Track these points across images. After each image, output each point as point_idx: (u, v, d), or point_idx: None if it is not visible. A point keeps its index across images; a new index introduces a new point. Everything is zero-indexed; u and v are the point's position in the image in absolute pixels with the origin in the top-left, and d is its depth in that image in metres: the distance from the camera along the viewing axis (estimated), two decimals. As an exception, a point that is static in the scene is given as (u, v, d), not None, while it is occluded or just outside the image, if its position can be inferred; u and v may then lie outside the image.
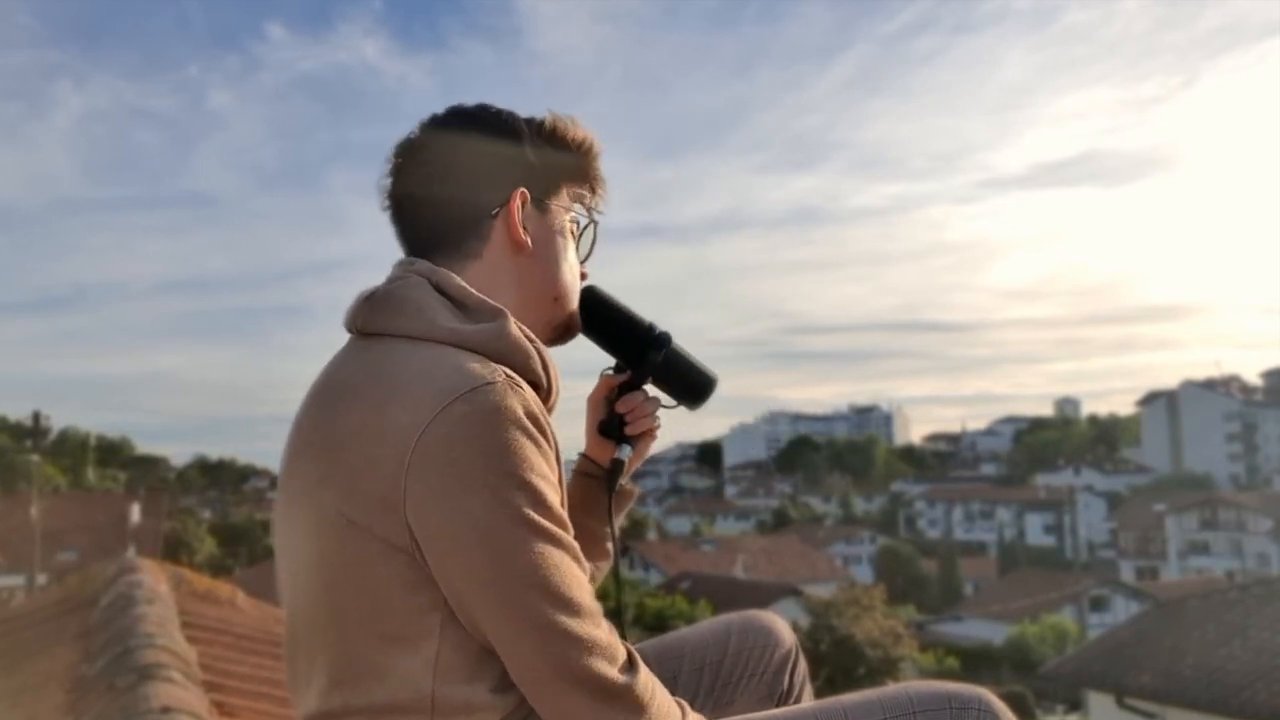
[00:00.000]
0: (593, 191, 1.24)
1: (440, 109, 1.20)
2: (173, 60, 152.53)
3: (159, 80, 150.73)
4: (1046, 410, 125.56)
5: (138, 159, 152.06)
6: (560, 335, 1.23)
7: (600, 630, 0.99)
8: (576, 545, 1.02)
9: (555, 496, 1.01)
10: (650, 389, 1.34)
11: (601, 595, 1.23)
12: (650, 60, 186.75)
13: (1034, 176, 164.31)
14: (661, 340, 1.31)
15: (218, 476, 75.65)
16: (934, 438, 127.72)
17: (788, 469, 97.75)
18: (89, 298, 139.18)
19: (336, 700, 1.02)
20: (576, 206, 1.23)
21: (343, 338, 1.14)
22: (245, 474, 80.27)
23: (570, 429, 1.18)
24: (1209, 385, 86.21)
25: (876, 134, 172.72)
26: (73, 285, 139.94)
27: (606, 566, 1.33)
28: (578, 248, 1.24)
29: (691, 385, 1.35)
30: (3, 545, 23.92)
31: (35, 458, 28.10)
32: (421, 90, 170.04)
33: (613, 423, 1.32)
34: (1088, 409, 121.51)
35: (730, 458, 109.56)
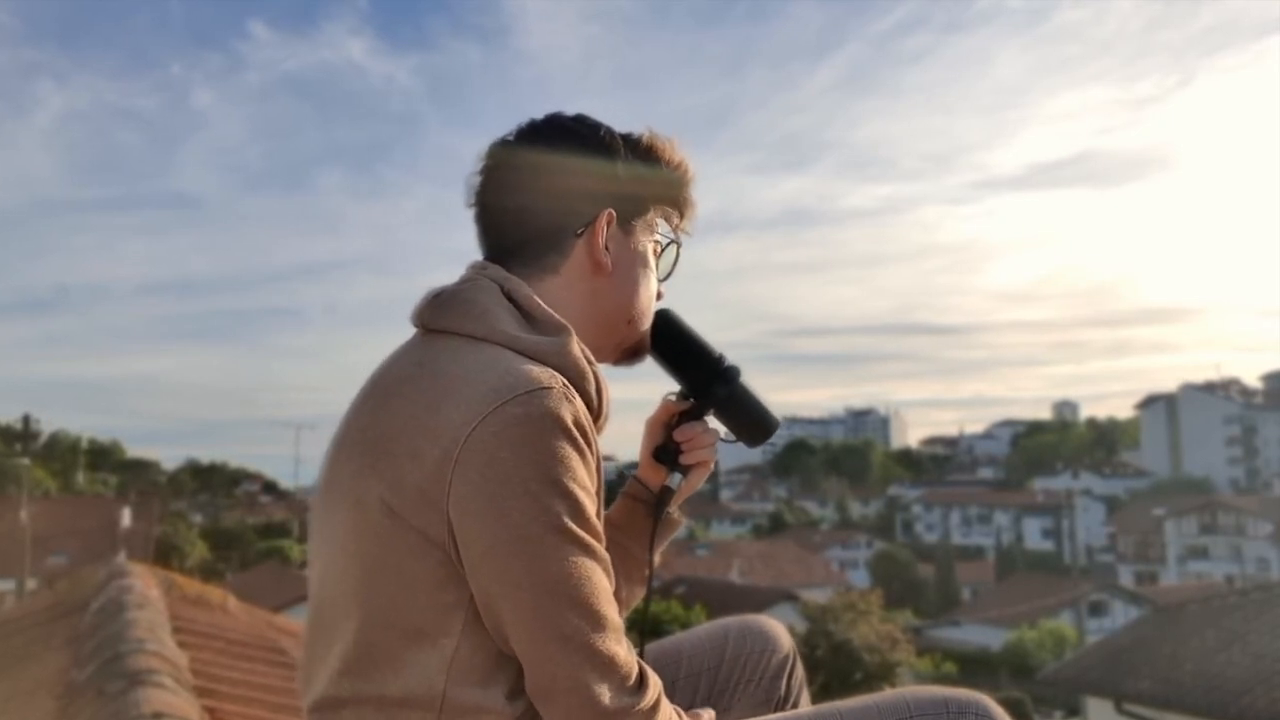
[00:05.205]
0: (681, 215, 1.25)
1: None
2: (154, 59, 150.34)
3: (141, 79, 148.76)
4: (1044, 413, 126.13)
5: (120, 159, 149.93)
6: (629, 357, 1.25)
7: (620, 647, 1.01)
8: (609, 559, 1.03)
9: (594, 508, 1.02)
10: (710, 421, 1.33)
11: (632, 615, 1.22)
12: (639, 59, 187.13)
13: (1028, 177, 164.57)
14: (729, 374, 1.30)
15: (209, 480, 75.18)
16: (931, 441, 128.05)
17: (783, 473, 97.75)
18: (74, 299, 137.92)
19: (347, 687, 1.02)
20: (662, 228, 1.23)
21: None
22: (237, 478, 79.87)
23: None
24: (1208, 388, 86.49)
25: (868, 134, 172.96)
26: (56, 287, 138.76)
27: (642, 593, 1.32)
28: (658, 268, 1.24)
29: (753, 425, 1.33)
30: (-5, 550, 23.83)
31: (25, 461, 28.04)
32: (408, 90, 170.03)
33: (668, 449, 1.31)
34: (1086, 412, 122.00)
35: (725, 461, 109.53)
